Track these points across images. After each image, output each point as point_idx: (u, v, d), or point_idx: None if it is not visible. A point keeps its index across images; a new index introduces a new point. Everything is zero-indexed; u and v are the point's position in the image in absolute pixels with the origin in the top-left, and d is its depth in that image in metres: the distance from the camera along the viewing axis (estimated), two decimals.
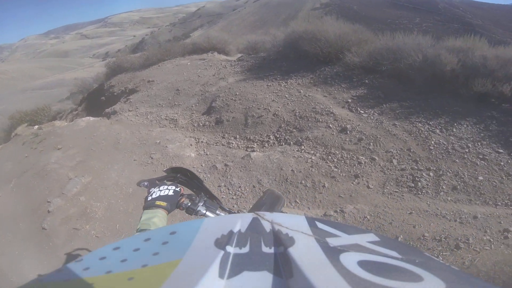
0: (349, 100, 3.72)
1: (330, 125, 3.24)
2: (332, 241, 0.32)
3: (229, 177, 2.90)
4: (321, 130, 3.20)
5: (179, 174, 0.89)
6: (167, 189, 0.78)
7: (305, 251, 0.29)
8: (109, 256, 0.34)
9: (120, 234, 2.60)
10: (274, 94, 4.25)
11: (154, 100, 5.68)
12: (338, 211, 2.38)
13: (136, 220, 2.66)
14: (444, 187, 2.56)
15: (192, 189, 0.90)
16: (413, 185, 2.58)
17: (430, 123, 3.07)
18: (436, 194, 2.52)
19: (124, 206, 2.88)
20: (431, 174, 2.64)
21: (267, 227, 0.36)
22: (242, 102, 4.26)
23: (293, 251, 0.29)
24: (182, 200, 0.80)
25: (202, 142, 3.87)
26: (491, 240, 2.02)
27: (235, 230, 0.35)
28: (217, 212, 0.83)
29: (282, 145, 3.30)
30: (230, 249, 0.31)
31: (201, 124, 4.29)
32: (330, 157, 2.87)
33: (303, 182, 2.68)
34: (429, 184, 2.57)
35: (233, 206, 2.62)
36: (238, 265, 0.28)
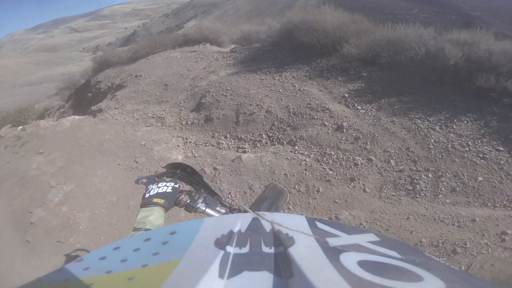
0: (346, 95, 3.52)
1: (326, 123, 3.05)
2: (332, 241, 0.32)
3: (218, 182, 2.72)
4: (316, 128, 3.02)
5: (178, 170, 0.88)
6: (165, 185, 0.76)
7: (305, 251, 0.29)
8: (109, 256, 0.33)
9: None
10: (267, 89, 4.02)
11: (141, 97, 5.42)
12: (333, 217, 2.24)
13: (121, 232, 2.54)
14: (443, 189, 2.45)
15: (192, 185, 0.87)
16: (411, 188, 2.45)
17: (430, 119, 2.90)
18: (434, 197, 2.42)
19: (108, 217, 2.73)
20: (429, 175, 2.50)
21: (267, 227, 0.36)
22: (233, 97, 4.03)
23: (293, 251, 0.29)
24: (181, 197, 0.77)
25: (190, 142, 3.66)
26: (488, 243, 2.01)
27: (235, 230, 0.35)
28: (217, 208, 0.79)
29: (275, 144, 3.11)
30: (230, 249, 0.31)
31: (189, 122, 4.06)
32: (325, 159, 2.70)
33: (296, 187, 2.53)
34: (427, 186, 2.45)
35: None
36: (238, 265, 0.28)
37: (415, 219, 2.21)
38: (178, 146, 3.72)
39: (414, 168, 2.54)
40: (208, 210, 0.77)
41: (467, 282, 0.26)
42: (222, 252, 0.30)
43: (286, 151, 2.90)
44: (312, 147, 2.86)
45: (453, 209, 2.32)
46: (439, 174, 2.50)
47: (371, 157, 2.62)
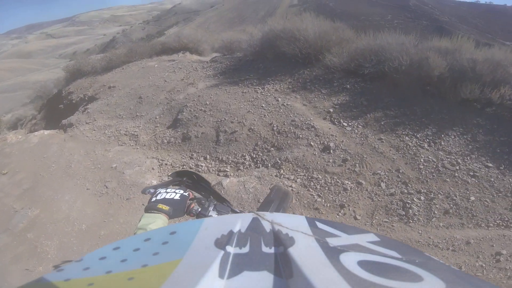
0: (331, 110, 3.35)
1: (312, 143, 2.83)
2: (332, 241, 0.32)
3: None
4: (301, 150, 2.80)
5: (185, 178, 0.87)
6: (174, 192, 0.74)
7: (305, 251, 0.29)
8: (109, 256, 0.33)
9: None
10: (249, 104, 3.78)
11: (114, 110, 5.00)
12: None
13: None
14: (436, 212, 2.33)
15: (200, 193, 0.87)
16: (403, 212, 2.30)
17: (418, 135, 2.79)
18: (427, 221, 2.31)
19: (78, 246, 2.57)
20: (422, 198, 2.37)
21: (267, 227, 0.36)
22: (213, 113, 3.74)
23: (293, 251, 0.29)
24: (192, 206, 0.77)
25: (166, 164, 3.32)
26: (484, 265, 1.98)
27: (235, 230, 0.35)
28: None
29: (259, 167, 2.85)
30: (230, 249, 0.31)
31: (165, 141, 3.72)
32: (312, 183, 2.48)
33: None
34: (420, 210, 2.31)
35: None
36: (238, 265, 0.28)
37: None
38: (153, 169, 3.37)
39: (406, 190, 2.39)
40: None
41: (467, 282, 0.25)
42: (222, 252, 0.30)
43: (271, 175, 2.65)
44: (298, 170, 2.63)
45: (447, 233, 2.26)
46: (431, 196, 2.37)
47: (360, 181, 2.44)
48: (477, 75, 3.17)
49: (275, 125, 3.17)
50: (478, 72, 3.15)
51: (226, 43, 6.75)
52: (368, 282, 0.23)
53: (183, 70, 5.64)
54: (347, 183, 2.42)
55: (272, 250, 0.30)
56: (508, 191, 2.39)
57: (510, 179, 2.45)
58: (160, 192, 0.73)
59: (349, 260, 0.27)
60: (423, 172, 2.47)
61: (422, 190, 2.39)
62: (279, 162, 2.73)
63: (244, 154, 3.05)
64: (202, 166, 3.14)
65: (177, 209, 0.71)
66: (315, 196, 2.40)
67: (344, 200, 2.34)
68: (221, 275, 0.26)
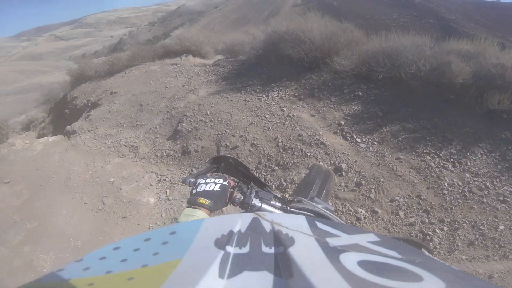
0: (342, 122, 3.07)
1: (321, 163, 2.59)
2: (332, 241, 0.32)
3: None
4: None
5: (223, 163, 0.84)
6: (213, 182, 0.70)
7: (305, 251, 0.29)
8: (109, 256, 0.33)
9: None
10: (252, 114, 3.55)
11: (115, 118, 4.88)
12: None
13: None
14: (459, 244, 2.07)
15: (240, 178, 0.82)
16: None
17: (440, 154, 2.49)
18: (449, 254, 2.05)
19: None
20: (445, 228, 2.09)
21: (267, 227, 0.36)
22: (214, 125, 3.54)
23: (293, 251, 0.29)
24: (234, 195, 0.73)
25: (165, 180, 3.15)
26: None
27: (235, 230, 0.35)
28: (272, 202, 0.75)
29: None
30: (230, 249, 0.31)
31: (165, 154, 3.55)
32: None
33: None
34: (442, 242, 2.05)
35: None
36: (238, 265, 0.28)
37: None
38: (151, 185, 3.21)
39: (427, 220, 2.11)
40: (265, 206, 0.74)
41: (467, 282, 0.25)
42: (222, 252, 0.30)
43: None
44: None
45: (470, 266, 2.04)
46: (456, 226, 2.09)
47: (376, 209, 2.17)
48: (506, 82, 2.83)
49: (280, 140, 2.92)
50: (508, 79, 2.81)
51: (229, 45, 6.52)
52: (368, 282, 0.23)
53: (184, 74, 5.46)
54: (361, 212, 2.16)
55: (272, 250, 0.30)
56: None
57: None
58: (200, 183, 0.71)
59: (349, 260, 0.27)
60: (447, 198, 2.18)
61: (446, 219, 2.11)
62: (285, 184, 2.48)
63: None
64: None
65: (219, 201, 0.69)
66: None
67: None
68: (221, 275, 0.26)
